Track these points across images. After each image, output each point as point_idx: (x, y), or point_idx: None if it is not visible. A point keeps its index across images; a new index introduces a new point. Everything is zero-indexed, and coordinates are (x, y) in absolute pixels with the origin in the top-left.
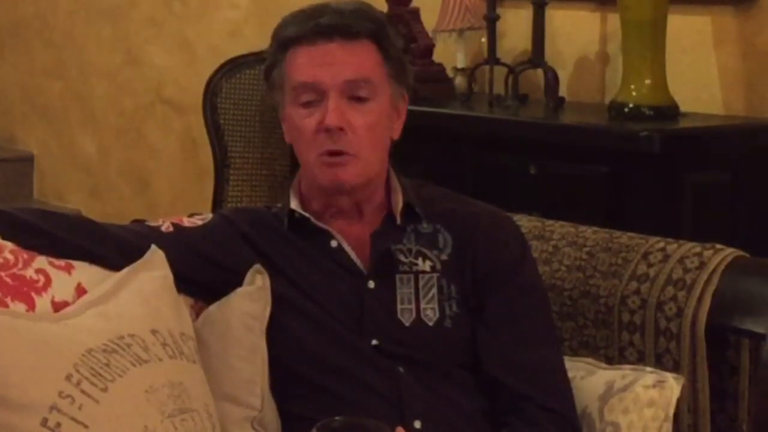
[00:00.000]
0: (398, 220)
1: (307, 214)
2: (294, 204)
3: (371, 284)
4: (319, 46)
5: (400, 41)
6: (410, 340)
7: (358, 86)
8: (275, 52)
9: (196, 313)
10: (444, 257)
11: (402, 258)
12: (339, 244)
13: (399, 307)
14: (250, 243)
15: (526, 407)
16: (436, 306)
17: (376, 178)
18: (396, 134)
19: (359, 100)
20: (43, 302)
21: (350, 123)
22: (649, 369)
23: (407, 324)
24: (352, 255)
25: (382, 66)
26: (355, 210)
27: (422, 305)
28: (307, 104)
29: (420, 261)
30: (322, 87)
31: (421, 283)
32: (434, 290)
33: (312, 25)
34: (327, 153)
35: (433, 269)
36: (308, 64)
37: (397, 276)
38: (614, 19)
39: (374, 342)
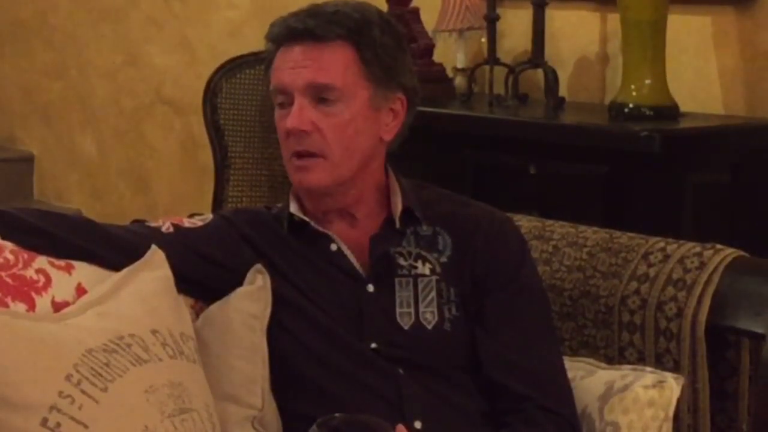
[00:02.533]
0: (397, 224)
1: (306, 219)
2: (293, 208)
3: (370, 288)
4: (290, 50)
5: (391, 40)
6: (409, 344)
7: (321, 89)
8: (267, 52)
9: (196, 313)
10: (443, 260)
11: (401, 261)
12: (339, 248)
13: (398, 310)
14: (250, 243)
15: (526, 408)
16: (435, 309)
17: (353, 180)
18: (388, 135)
19: (326, 102)
20: (43, 302)
21: (315, 125)
22: (649, 369)
23: (406, 327)
24: (352, 259)
25: (357, 68)
26: (345, 213)
27: (421, 308)
28: (281, 106)
29: (419, 264)
30: (288, 89)
31: (420, 287)
32: (433, 293)
33: (284, 29)
34: (295, 155)
35: (433, 272)
36: (280, 67)
37: (396, 279)
38: (614, 19)
39: (373, 345)
